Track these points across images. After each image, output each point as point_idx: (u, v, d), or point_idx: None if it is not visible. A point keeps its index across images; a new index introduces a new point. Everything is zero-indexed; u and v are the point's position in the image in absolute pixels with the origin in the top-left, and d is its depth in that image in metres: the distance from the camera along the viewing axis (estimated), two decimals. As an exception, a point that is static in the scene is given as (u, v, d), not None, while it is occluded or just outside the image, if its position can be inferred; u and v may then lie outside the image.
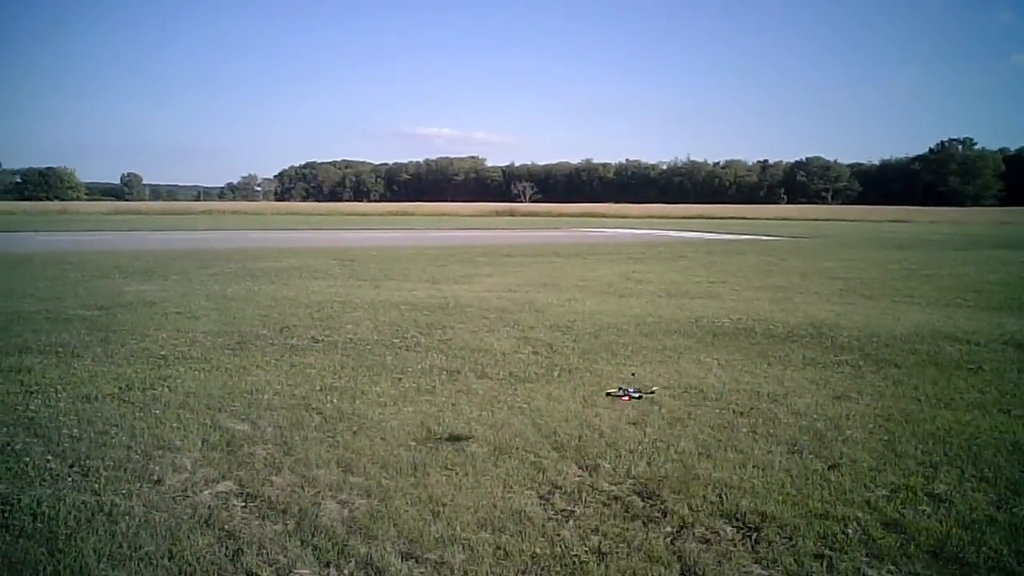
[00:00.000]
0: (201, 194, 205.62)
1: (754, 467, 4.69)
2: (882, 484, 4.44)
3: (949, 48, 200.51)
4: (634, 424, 5.59)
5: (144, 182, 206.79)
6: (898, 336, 9.25)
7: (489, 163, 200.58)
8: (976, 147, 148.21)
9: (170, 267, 17.01)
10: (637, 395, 6.28)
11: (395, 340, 8.65)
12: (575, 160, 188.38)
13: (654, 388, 6.51)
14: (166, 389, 6.43)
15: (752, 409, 6.03)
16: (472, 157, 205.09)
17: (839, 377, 7.20)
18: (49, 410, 5.74)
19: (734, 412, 5.95)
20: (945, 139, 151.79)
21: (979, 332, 9.60)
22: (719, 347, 8.55)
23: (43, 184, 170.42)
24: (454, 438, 5.19)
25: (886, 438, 5.30)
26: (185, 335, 8.81)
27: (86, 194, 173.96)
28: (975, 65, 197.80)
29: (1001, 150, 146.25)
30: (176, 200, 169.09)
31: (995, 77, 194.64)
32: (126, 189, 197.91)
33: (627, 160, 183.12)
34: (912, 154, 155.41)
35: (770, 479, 4.49)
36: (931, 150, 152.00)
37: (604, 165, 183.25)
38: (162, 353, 7.83)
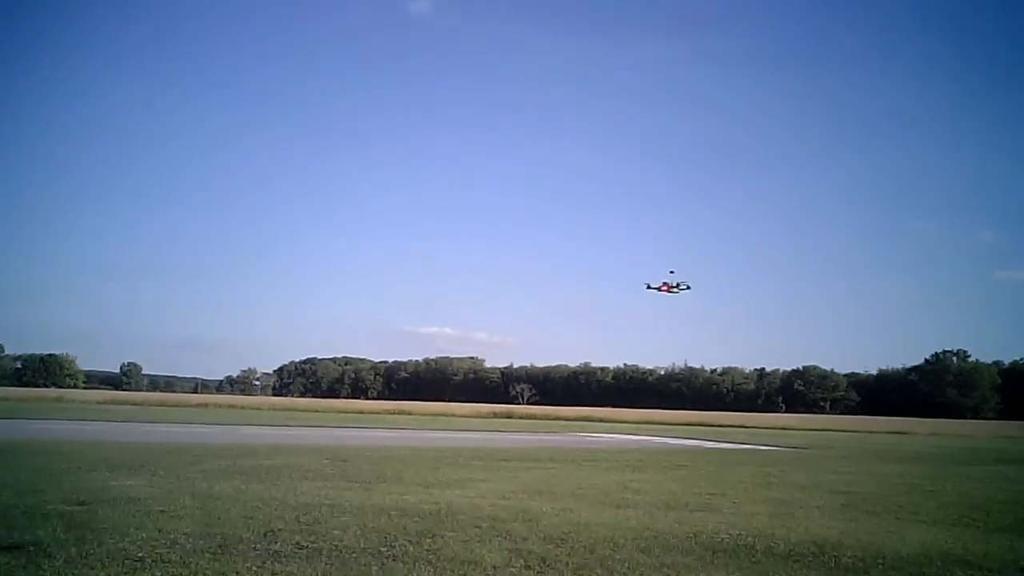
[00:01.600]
0: (199, 386, 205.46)
1: None
2: None
3: (938, 263, 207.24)
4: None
5: (143, 372, 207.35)
6: (905, 558, 8.91)
7: (488, 363, 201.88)
8: (971, 359, 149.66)
9: (159, 461, 16.68)
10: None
11: (382, 548, 8.33)
12: (574, 363, 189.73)
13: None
14: (138, 597, 6.12)
15: (754, 637, 5.70)
16: (471, 357, 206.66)
17: (845, 603, 6.87)
18: (11, 618, 5.44)
19: (736, 640, 5.62)
20: (940, 351, 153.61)
21: (991, 556, 9.25)
22: (718, 565, 8.22)
23: (42, 371, 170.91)
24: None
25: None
26: (166, 536, 8.51)
27: (84, 382, 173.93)
28: (964, 280, 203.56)
29: (996, 363, 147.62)
30: (174, 391, 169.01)
31: (983, 292, 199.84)
32: (125, 379, 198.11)
33: (625, 364, 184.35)
34: (908, 365, 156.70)
35: None
36: (927, 361, 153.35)
37: (602, 369, 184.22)
38: (139, 555, 7.53)
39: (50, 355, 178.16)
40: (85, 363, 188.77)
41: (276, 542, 8.44)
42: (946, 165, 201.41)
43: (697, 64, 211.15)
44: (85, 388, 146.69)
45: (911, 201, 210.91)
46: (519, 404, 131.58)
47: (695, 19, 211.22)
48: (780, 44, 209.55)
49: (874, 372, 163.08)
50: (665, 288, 45.01)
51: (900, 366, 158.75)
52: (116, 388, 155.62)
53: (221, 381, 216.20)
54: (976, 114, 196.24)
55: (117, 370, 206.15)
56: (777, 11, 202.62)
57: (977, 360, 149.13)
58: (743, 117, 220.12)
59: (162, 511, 10.17)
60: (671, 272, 44.63)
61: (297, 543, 8.43)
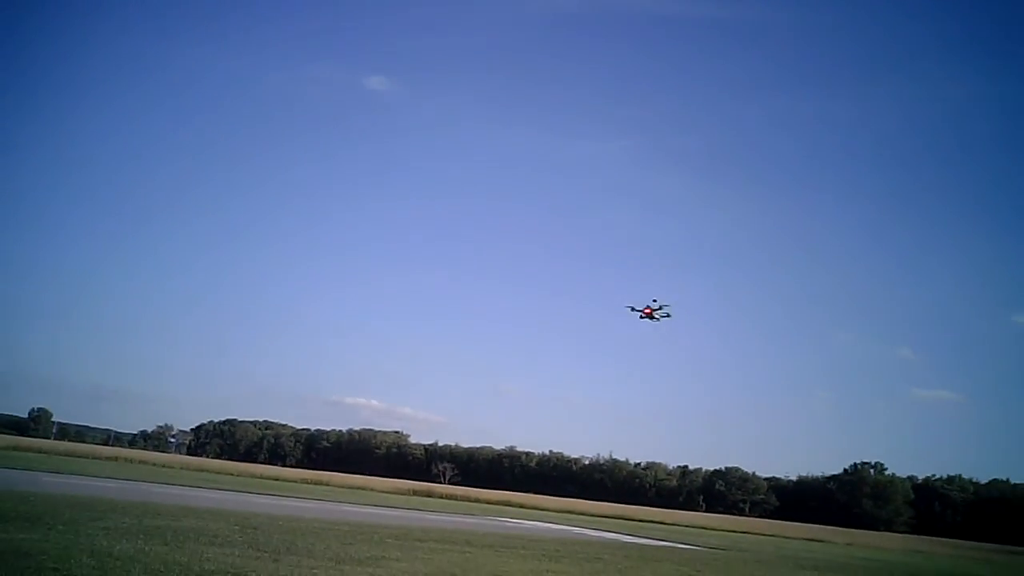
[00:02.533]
0: (112, 438, 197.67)
1: None
2: None
3: (860, 377, 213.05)
4: None
5: (53, 419, 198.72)
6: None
7: (412, 439, 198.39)
8: (887, 472, 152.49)
9: (59, 515, 15.91)
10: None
11: (286, 624, 8.02)
12: (499, 445, 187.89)
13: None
14: (19, 660, 5.77)
15: None
16: (396, 432, 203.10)
17: None
18: None
19: None
20: (858, 461, 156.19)
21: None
22: (629, 664, 8.08)
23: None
24: None
25: None
26: (56, 596, 8.07)
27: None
28: (883, 395, 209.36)
29: (910, 477, 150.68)
30: (83, 442, 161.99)
31: (898, 407, 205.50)
32: (32, 425, 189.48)
33: (550, 451, 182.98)
34: (827, 473, 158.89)
35: None
36: (845, 471, 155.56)
37: (527, 454, 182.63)
38: (25, 615, 7.12)
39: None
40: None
41: (174, 610, 8.07)
42: (870, 284, 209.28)
43: (642, 163, 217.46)
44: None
45: (837, 316, 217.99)
46: (441, 483, 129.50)
47: (641, 121, 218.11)
48: (720, 152, 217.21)
49: (794, 478, 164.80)
50: (648, 311, 44.62)
51: (819, 474, 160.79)
52: (22, 434, 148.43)
53: (135, 435, 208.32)
54: (904, 236, 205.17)
55: (25, 415, 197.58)
56: (716, 122, 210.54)
57: (893, 473, 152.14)
58: (683, 218, 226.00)
59: (55, 569, 9.67)
60: (654, 300, 44.50)
61: (196, 613, 8.08)
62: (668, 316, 44.32)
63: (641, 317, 43.87)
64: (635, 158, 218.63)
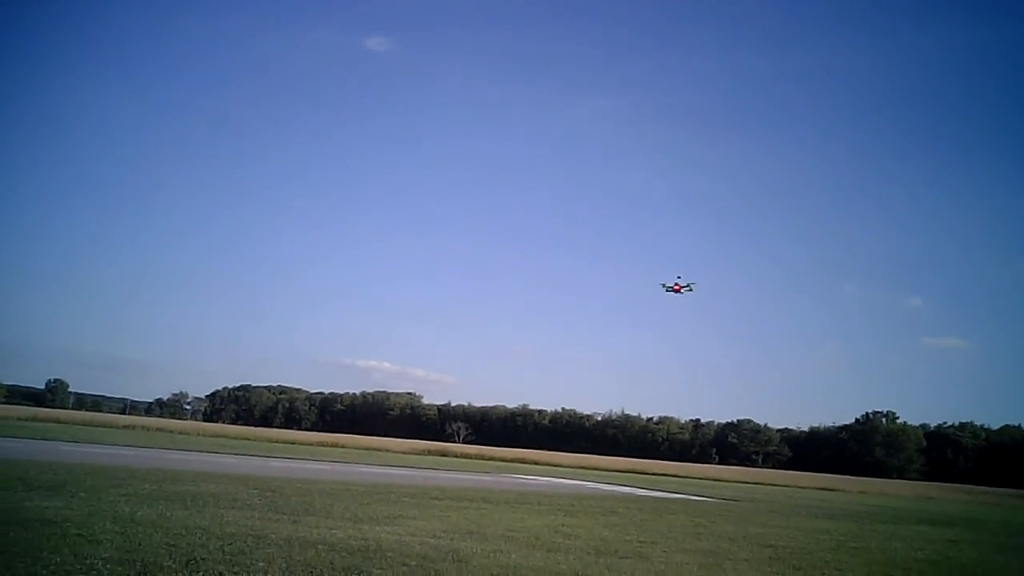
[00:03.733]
0: (128, 407, 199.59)
1: None
2: None
3: (870, 327, 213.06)
4: None
5: (70, 389, 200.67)
6: (828, 614, 9.02)
7: (426, 400, 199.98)
8: (899, 421, 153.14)
9: (80, 483, 16.14)
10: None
11: (308, 583, 8.16)
12: (511, 404, 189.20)
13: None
14: (49, 623, 5.90)
15: None
16: (409, 393, 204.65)
17: (768, 656, 6.92)
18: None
19: None
20: (870, 411, 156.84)
21: (908, 615, 9.42)
22: (646, 614, 8.22)
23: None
24: None
25: None
26: (82, 561, 8.22)
27: (5, 397, 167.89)
28: (893, 344, 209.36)
29: (922, 425, 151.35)
30: (100, 411, 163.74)
31: (910, 356, 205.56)
32: (50, 395, 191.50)
33: (563, 408, 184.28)
34: (840, 423, 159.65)
35: None
36: (857, 420, 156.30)
37: (540, 412, 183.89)
38: (52, 581, 7.26)
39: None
40: (7, 377, 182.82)
41: (199, 572, 8.22)
42: (879, 232, 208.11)
43: (644, 118, 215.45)
44: (6, 404, 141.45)
45: (845, 266, 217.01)
46: (455, 443, 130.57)
47: (645, 75, 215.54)
48: (728, 105, 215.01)
49: (806, 429, 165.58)
50: (677, 288, 53.86)
51: (831, 424, 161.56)
52: (40, 405, 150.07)
53: (151, 403, 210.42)
54: (911, 185, 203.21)
55: (42, 386, 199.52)
56: (724, 75, 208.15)
57: (905, 422, 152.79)
58: (689, 173, 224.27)
59: (79, 535, 9.83)
60: (679, 277, 53.60)
61: (220, 574, 8.22)
62: (691, 290, 53.29)
63: (667, 291, 52.56)
64: (641, 113, 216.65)
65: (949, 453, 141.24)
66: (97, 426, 71.33)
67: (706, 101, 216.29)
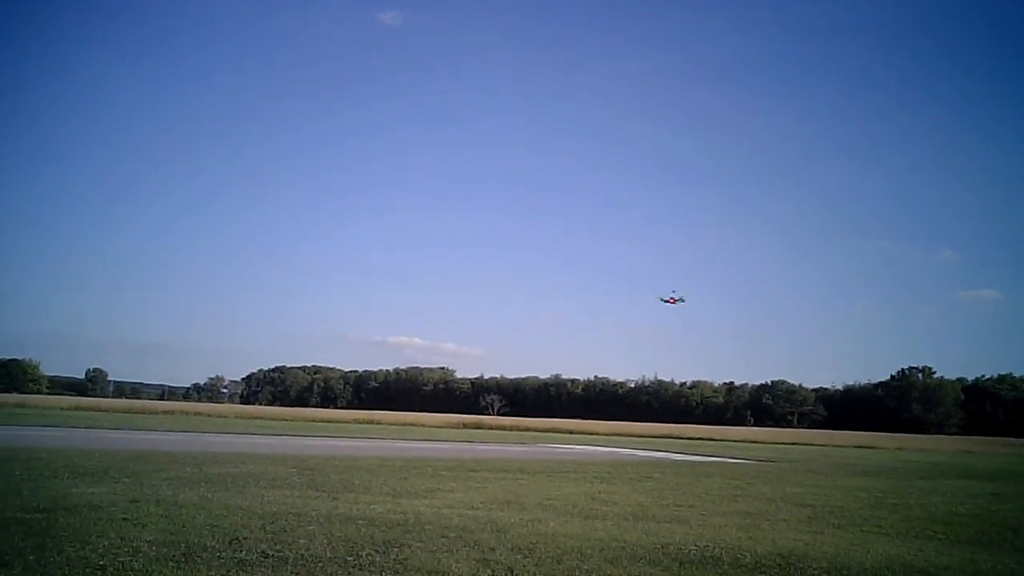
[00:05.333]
0: (166, 393, 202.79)
1: None
2: None
3: (903, 282, 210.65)
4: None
5: (109, 378, 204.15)
6: (869, 569, 9.00)
7: (459, 375, 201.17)
8: (935, 376, 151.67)
9: (123, 469, 16.44)
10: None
11: (348, 558, 8.27)
12: (544, 375, 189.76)
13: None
14: (99, 605, 6.03)
15: (720, 647, 5.73)
16: (442, 368, 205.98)
17: (810, 614, 6.92)
18: (-33, 626, 5.33)
19: (701, 650, 5.65)
20: (906, 367, 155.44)
21: (951, 568, 9.37)
22: (686, 576, 8.24)
23: (4, 375, 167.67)
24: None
25: None
26: (129, 544, 8.39)
27: (48, 388, 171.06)
28: (927, 299, 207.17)
29: (959, 379, 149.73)
30: (140, 398, 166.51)
31: (944, 310, 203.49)
32: (90, 385, 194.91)
33: (595, 377, 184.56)
34: (875, 380, 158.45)
35: None
36: (893, 377, 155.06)
37: (572, 381, 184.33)
38: (101, 563, 7.42)
39: (12, 360, 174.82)
40: (49, 368, 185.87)
41: (241, 550, 8.36)
42: (910, 186, 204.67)
43: (669, 78, 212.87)
44: (48, 394, 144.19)
45: (877, 221, 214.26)
46: (489, 415, 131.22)
47: (666, 34, 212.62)
48: (752, 63, 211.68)
49: (841, 387, 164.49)
50: (672, 300, 67.23)
51: (867, 381, 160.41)
52: (81, 394, 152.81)
53: (188, 388, 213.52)
54: (941, 137, 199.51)
55: (82, 376, 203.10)
56: (745, 31, 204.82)
57: (942, 377, 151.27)
58: (714, 134, 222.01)
59: (125, 519, 10.02)
60: (673, 291, 67.80)
61: (263, 552, 8.35)
62: (683, 301, 68.07)
63: (663, 302, 66.11)
64: (662, 75, 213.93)
65: (988, 406, 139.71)
66: (137, 413, 72.56)
67: (731, 58, 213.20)
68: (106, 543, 8.37)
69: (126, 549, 8.12)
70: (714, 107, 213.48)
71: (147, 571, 7.20)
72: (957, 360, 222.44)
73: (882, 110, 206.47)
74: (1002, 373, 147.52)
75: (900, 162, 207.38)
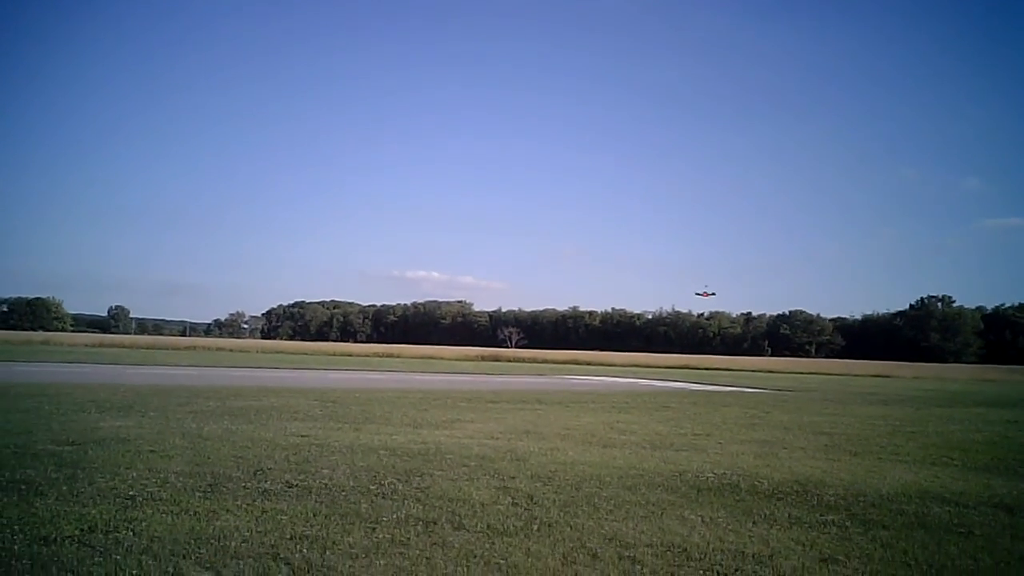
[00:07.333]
0: (188, 329, 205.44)
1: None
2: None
3: (925, 211, 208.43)
4: (615, 584, 5.37)
5: (131, 315, 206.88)
6: (885, 495, 9.08)
7: (476, 308, 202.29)
8: (955, 305, 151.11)
9: (148, 403, 16.74)
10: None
11: (371, 487, 8.42)
12: (562, 307, 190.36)
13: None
14: (130, 532, 6.19)
15: (737, 571, 5.83)
16: (460, 301, 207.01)
17: (826, 538, 7.01)
18: (2, 552, 5.48)
19: (718, 574, 5.74)
20: (925, 296, 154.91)
21: (967, 493, 9.44)
22: (703, 503, 8.36)
23: (29, 314, 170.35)
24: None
25: (876, 606, 5.11)
26: (156, 475, 8.57)
27: (72, 325, 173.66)
28: (949, 227, 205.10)
29: (979, 308, 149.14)
30: (162, 335, 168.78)
31: (967, 239, 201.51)
32: (113, 322, 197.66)
33: (613, 308, 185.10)
34: (893, 310, 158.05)
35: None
36: (911, 306, 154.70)
37: (590, 313, 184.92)
38: (130, 493, 7.59)
39: (37, 298, 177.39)
40: (72, 306, 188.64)
41: (266, 481, 8.52)
42: (934, 113, 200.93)
43: (688, 8, 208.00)
44: (73, 331, 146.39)
45: (899, 149, 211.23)
46: (507, 348, 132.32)
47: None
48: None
49: (859, 317, 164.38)
50: (705, 295, 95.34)
51: (885, 311, 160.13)
52: (104, 331, 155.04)
53: (209, 324, 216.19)
54: (963, 63, 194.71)
55: (105, 313, 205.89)
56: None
57: (961, 306, 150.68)
58: (730, 59, 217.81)
59: (152, 451, 10.23)
60: (706, 285, 79.29)
61: (287, 482, 8.51)
62: (714, 294, 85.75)
63: (697, 296, 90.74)
64: (685, 4, 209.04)
65: (1008, 335, 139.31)
66: (159, 349, 73.67)
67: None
68: (134, 474, 8.55)
69: (154, 480, 8.29)
70: (735, 36, 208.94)
71: (175, 501, 7.36)
72: (980, 289, 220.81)
73: (906, 34, 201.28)
74: (1022, 301, 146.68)
75: (926, 89, 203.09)
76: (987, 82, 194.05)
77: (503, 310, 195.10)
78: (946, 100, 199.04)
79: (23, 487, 7.64)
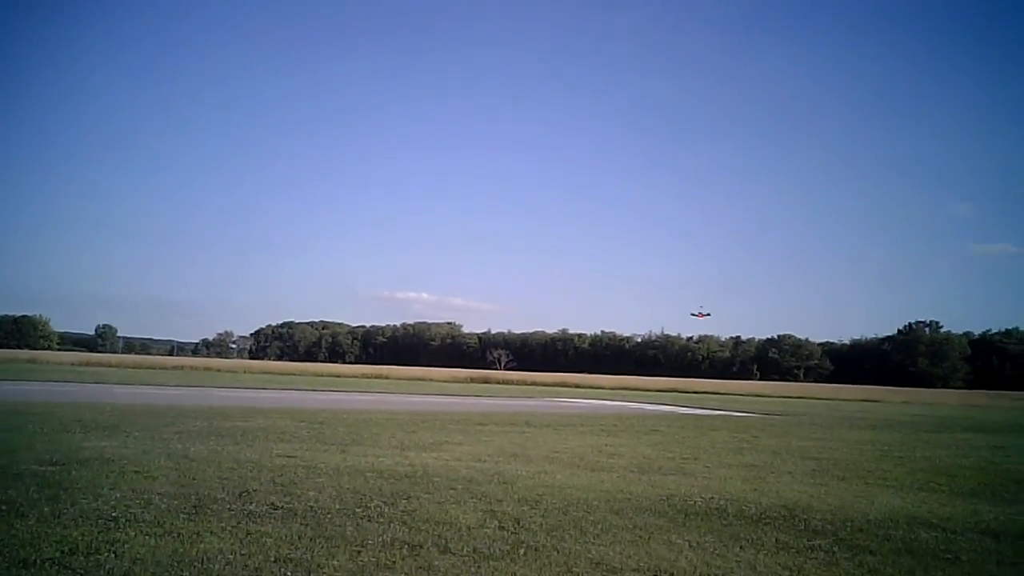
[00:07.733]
0: (175, 349, 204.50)
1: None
2: None
3: (913, 236, 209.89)
4: (601, 609, 5.34)
5: (119, 334, 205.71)
6: (872, 520, 9.08)
7: (466, 329, 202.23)
8: (943, 330, 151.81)
9: (134, 423, 16.60)
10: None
11: (357, 509, 8.37)
12: (551, 329, 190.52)
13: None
14: (112, 555, 6.12)
15: (723, 596, 5.80)
16: (449, 323, 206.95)
17: (812, 564, 7.00)
18: (-17, 575, 5.42)
19: (705, 599, 5.72)
20: (913, 321, 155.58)
21: (954, 519, 9.45)
22: (690, 528, 8.33)
23: (15, 332, 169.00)
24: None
25: (862, 633, 5.09)
26: (140, 496, 8.49)
27: (58, 344, 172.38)
28: (937, 253, 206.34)
29: (966, 334, 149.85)
30: (149, 354, 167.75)
31: (955, 264, 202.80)
32: (100, 340, 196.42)
33: (602, 331, 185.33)
34: (881, 335, 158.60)
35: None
36: (900, 331, 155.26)
37: (579, 335, 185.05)
38: (113, 515, 7.52)
39: (23, 316, 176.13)
40: (59, 325, 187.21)
41: (251, 502, 8.46)
42: (923, 139, 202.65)
43: (679, 24, 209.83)
44: (59, 350, 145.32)
45: (887, 174, 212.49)
46: (496, 370, 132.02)
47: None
48: (762, 7, 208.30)
49: (848, 341, 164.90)
50: (701, 315, 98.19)
51: (873, 336, 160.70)
52: (91, 350, 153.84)
53: (197, 344, 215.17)
54: (953, 87, 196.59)
55: (92, 332, 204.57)
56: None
57: (948, 331, 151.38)
58: (724, 83, 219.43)
59: (136, 472, 10.14)
60: (700, 306, 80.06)
61: (272, 503, 8.45)
62: (709, 315, 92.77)
63: (699, 316, 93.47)
64: (670, 26, 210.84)
65: (995, 360, 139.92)
66: (147, 368, 73.15)
67: (732, 9, 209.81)
68: (118, 495, 8.47)
69: (138, 501, 8.22)
70: (724, 55, 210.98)
71: (159, 522, 7.30)
72: (967, 314, 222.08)
73: (898, 56, 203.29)
74: (1008, 327, 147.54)
75: (916, 112, 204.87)
76: (977, 107, 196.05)
77: (492, 332, 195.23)
78: (936, 125, 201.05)
79: (3, 508, 7.56)
